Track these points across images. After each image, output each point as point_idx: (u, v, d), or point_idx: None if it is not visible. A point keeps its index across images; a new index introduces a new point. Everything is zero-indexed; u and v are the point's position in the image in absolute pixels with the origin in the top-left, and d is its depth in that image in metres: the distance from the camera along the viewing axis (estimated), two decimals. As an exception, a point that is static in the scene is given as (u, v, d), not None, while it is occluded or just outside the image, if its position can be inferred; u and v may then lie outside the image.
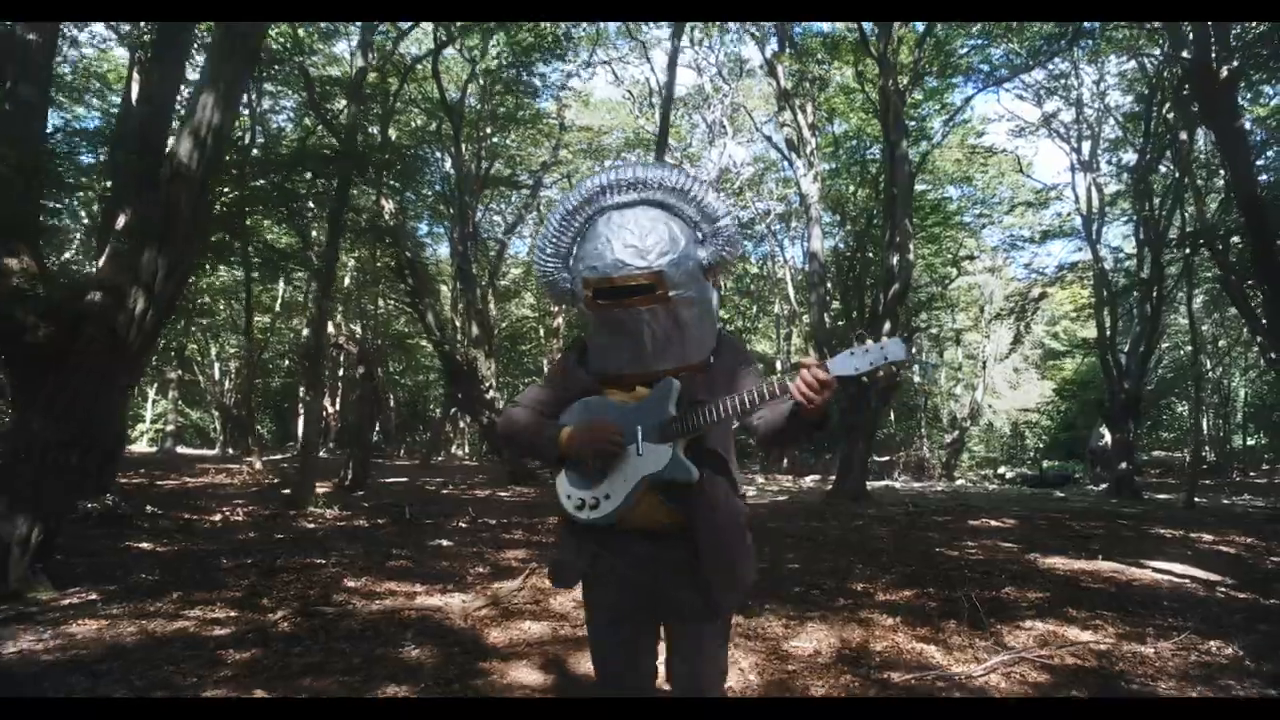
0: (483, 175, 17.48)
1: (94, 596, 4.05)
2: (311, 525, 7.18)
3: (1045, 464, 28.96)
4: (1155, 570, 5.84)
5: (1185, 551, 6.93)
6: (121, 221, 7.51)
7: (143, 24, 10.20)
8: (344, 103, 12.63)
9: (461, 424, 31.02)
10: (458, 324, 15.85)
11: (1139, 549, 6.94)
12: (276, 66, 12.48)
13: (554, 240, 1.69)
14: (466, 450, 31.96)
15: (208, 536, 6.28)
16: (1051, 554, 6.48)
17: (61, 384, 4.39)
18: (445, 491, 12.06)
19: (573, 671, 3.11)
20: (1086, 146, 17.34)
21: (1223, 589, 5.21)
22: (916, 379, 30.87)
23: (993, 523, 9.03)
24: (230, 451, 23.15)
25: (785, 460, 24.20)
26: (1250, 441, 33.33)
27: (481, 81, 16.19)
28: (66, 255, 15.67)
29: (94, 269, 8.43)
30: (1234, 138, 9.23)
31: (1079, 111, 16.98)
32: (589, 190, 1.67)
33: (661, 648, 1.77)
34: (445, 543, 6.34)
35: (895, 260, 11.60)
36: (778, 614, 4.06)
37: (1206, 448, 32.83)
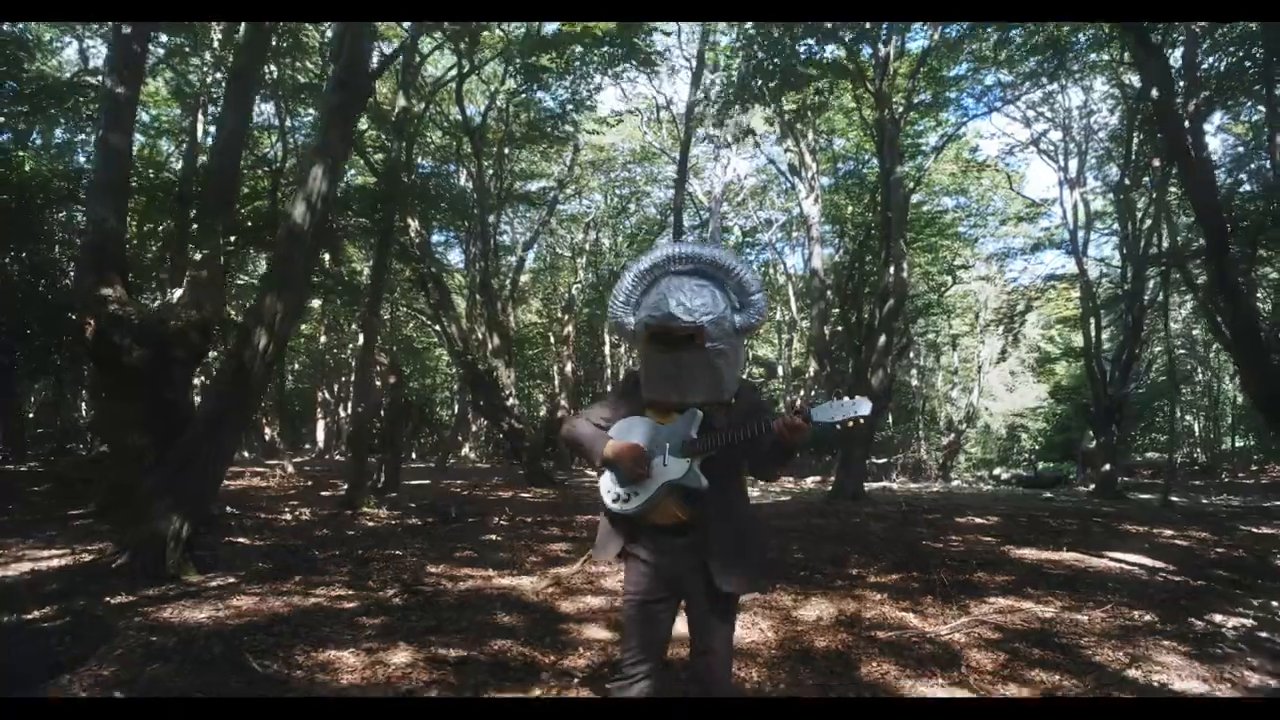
0: (501, 191, 18.42)
1: (231, 579, 4.98)
2: (372, 524, 8.12)
3: (1040, 465, 29.90)
4: (1111, 559, 6.76)
5: (1144, 545, 7.83)
6: (199, 256, 8.54)
7: (206, 78, 11.18)
8: (366, 125, 13.58)
9: (473, 427, 31.98)
10: (479, 334, 16.77)
11: (1104, 542, 7.85)
12: (304, 95, 13.47)
13: (626, 292, 2.19)
14: (476, 454, 32.84)
15: (289, 533, 7.22)
16: (1024, 546, 7.40)
17: (206, 407, 5.30)
18: (474, 493, 12.95)
19: (631, 631, 4.03)
20: (1074, 163, 18.30)
21: (1163, 574, 6.13)
22: (914, 383, 31.84)
23: (978, 520, 9.94)
24: (246, 455, 24.00)
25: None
26: (1240, 443, 34.15)
27: (500, 104, 17.13)
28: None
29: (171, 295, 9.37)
30: (1196, 170, 10.13)
31: (1065, 132, 17.93)
32: (657, 258, 2.18)
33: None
34: (495, 537, 7.27)
35: (890, 278, 12.53)
36: (787, 591, 5.00)
37: (1198, 449, 33.77)
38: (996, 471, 28.96)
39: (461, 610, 4.39)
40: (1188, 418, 35.82)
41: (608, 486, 2.23)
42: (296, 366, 31.28)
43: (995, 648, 3.90)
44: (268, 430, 26.45)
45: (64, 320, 13.47)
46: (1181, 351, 29.95)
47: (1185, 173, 10.09)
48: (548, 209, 20.57)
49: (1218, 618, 4.56)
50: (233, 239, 9.90)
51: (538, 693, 3.12)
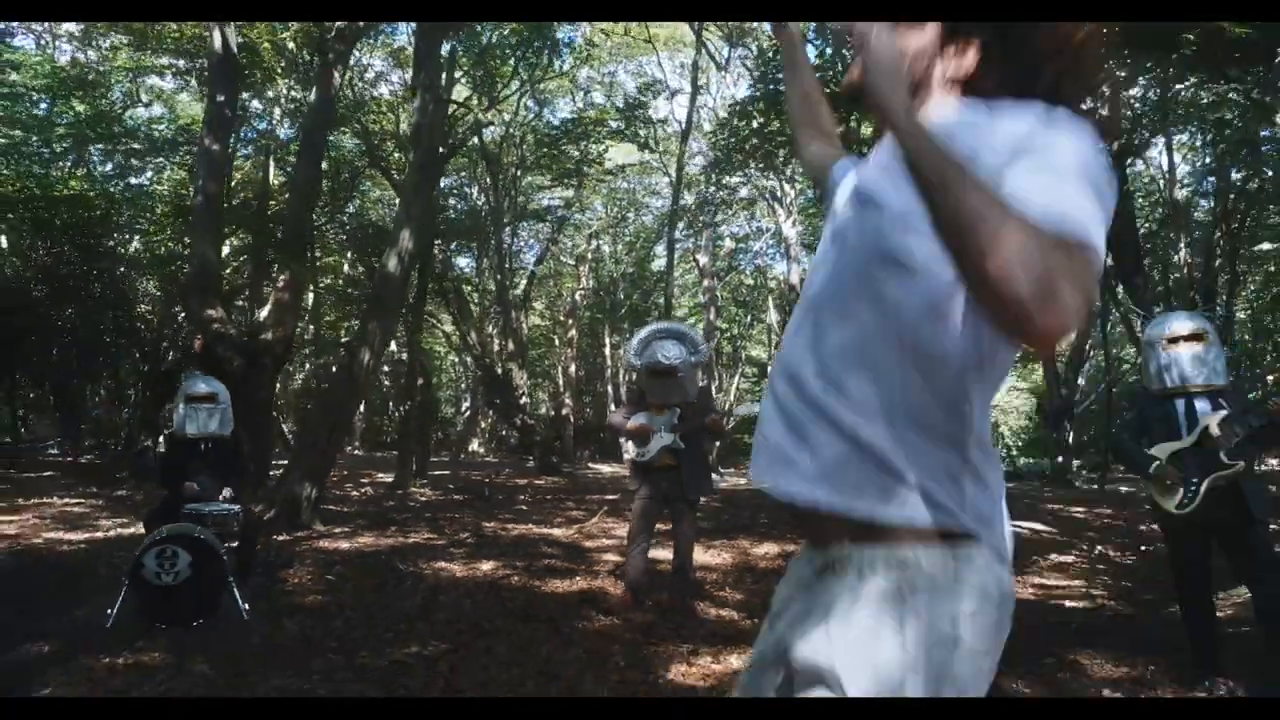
0: (514, 210, 20.32)
1: (348, 528, 6.89)
2: (424, 499, 10.04)
3: (1023, 460, 31.75)
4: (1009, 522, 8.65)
5: (1047, 515, 9.72)
6: (282, 282, 10.48)
7: (277, 131, 13.07)
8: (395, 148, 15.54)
9: (481, 424, 33.91)
10: (496, 340, 18.71)
11: (1014, 512, 9.70)
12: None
13: (634, 349, 4.37)
14: (484, 449, 34.65)
15: (364, 503, 9.13)
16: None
17: (319, 407, 7.18)
18: (494, 481, 14.85)
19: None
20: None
21: (1042, 533, 8.02)
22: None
23: (923, 500, 11.84)
24: (276, 450, 25.77)
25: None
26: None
27: (514, 133, 19.03)
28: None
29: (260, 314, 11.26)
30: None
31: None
32: (651, 330, 4.40)
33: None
34: (525, 508, 9.19)
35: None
36: (748, 539, 6.92)
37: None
38: (977, 465, 30.62)
39: (516, 545, 6.31)
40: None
41: (633, 447, 4.22)
42: (308, 366, 33.07)
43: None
44: (285, 428, 28.28)
45: (135, 331, 15.41)
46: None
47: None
48: (556, 227, 22.48)
49: (1051, 554, 6.47)
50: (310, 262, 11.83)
51: (580, 580, 5.04)
